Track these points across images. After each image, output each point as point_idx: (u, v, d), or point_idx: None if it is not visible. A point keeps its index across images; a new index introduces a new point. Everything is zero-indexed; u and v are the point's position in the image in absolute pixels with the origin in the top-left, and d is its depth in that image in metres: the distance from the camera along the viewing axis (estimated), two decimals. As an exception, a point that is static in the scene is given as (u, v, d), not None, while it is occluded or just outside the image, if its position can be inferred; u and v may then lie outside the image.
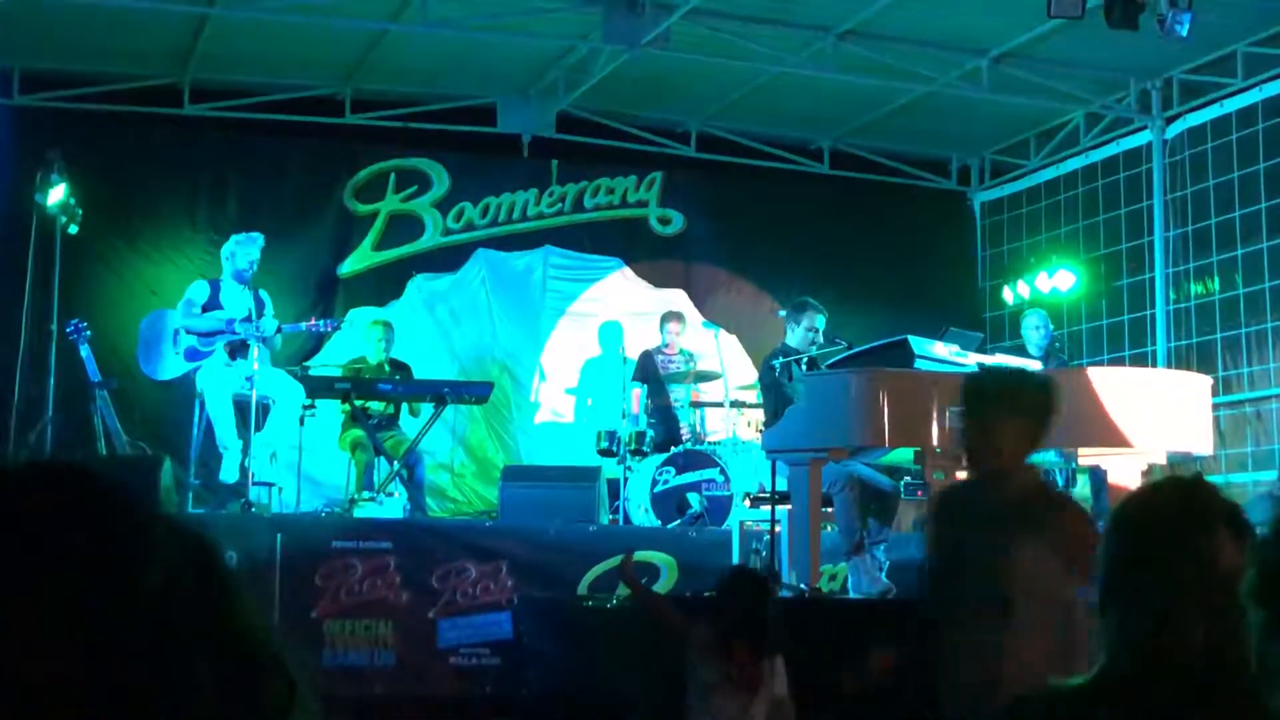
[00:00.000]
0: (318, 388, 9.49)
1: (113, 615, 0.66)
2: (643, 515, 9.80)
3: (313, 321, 9.88)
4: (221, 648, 0.70)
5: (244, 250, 9.50)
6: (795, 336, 8.48)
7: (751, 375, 10.99)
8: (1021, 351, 10.14)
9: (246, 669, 0.71)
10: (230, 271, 9.52)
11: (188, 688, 0.67)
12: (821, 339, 8.43)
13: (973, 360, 7.83)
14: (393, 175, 11.98)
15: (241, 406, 9.20)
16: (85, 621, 0.65)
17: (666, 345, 10.97)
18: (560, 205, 12.39)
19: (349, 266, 11.80)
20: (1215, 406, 8.91)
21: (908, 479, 8.10)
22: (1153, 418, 7.25)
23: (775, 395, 8.30)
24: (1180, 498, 1.88)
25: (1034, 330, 10.48)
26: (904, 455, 7.55)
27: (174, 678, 0.67)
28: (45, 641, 0.64)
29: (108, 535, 0.69)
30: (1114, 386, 7.35)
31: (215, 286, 9.56)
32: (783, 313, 9.22)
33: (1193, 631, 1.76)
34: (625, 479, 9.98)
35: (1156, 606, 1.79)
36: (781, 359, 8.36)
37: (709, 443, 10.31)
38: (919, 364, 7.48)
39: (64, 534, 0.67)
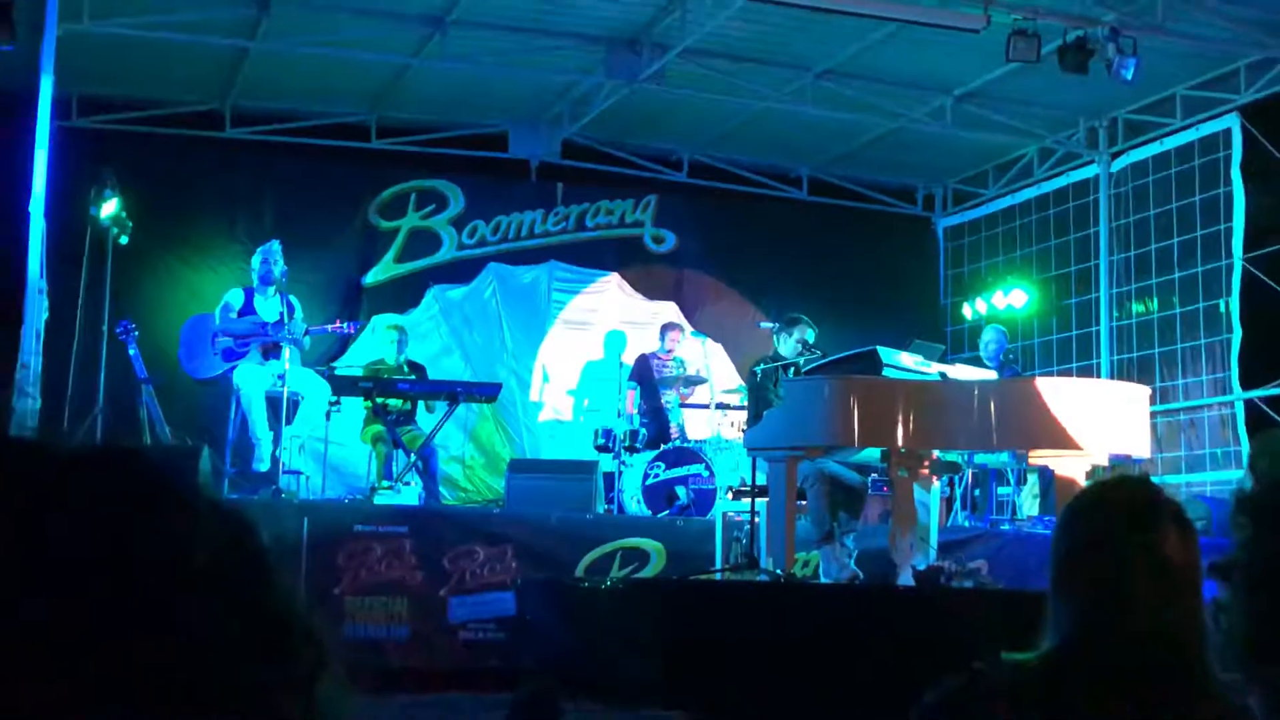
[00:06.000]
0: (342, 386, 9.47)
1: (162, 585, 0.66)
2: (635, 506, 9.80)
3: (336, 324, 9.88)
4: (259, 616, 0.70)
5: (261, 257, 9.58)
6: (786, 347, 8.42)
7: (734, 380, 10.99)
8: (978, 363, 10.17)
9: (282, 636, 0.70)
10: (258, 278, 9.54)
11: (229, 652, 0.67)
12: (813, 352, 8.37)
13: (935, 369, 7.84)
14: (413, 195, 11.98)
15: (273, 402, 9.20)
16: (137, 590, 0.65)
17: (665, 351, 10.97)
18: (564, 224, 12.38)
19: (372, 277, 11.79)
20: (1153, 414, 8.92)
21: (875, 476, 8.10)
22: (1096, 424, 7.25)
23: (757, 398, 8.29)
24: (1133, 495, 1.88)
25: (987, 344, 10.54)
26: (872, 454, 7.55)
27: (216, 643, 0.67)
28: (98, 607, 0.64)
29: (159, 511, 0.68)
30: (1062, 395, 7.35)
31: (250, 294, 9.57)
32: (765, 324, 9.21)
33: (1144, 616, 1.77)
34: (620, 472, 9.97)
35: (1112, 592, 1.79)
36: (766, 365, 8.35)
37: (695, 440, 10.31)
38: (887, 372, 7.48)
39: (120, 509, 0.67)
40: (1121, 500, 1.87)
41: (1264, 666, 0.89)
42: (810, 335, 8.38)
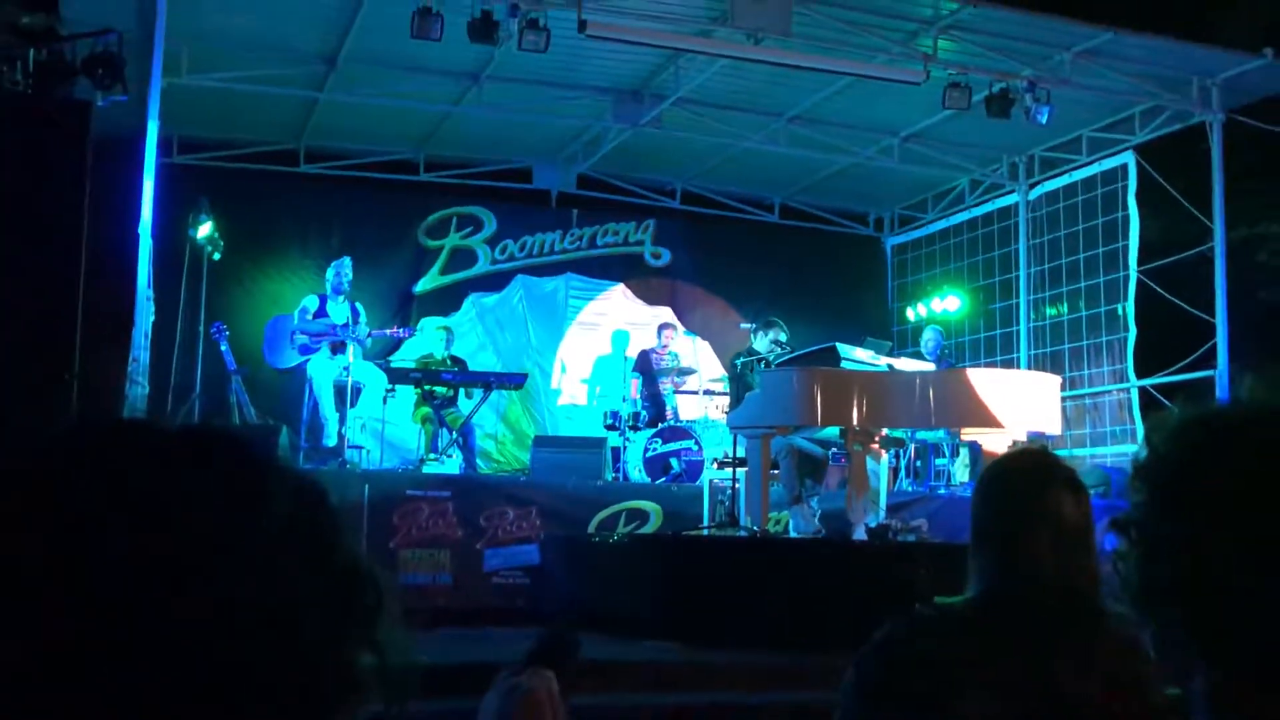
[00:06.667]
0: (397, 376, 9.48)
1: (249, 537, 0.67)
2: (637, 474, 9.79)
3: (394, 329, 9.96)
4: (328, 566, 0.70)
5: (334, 270, 9.63)
6: (762, 344, 8.41)
7: (719, 371, 10.99)
8: (920, 357, 10.15)
9: (347, 583, 0.71)
10: (331, 287, 9.56)
11: (302, 598, 0.67)
12: (785, 348, 8.34)
13: (884, 362, 7.83)
14: (454, 218, 11.95)
15: (340, 389, 9.20)
16: (229, 541, 0.66)
17: (662, 347, 10.96)
18: (579, 243, 12.36)
19: (421, 286, 11.77)
20: (1063, 399, 8.94)
21: (834, 450, 8.11)
22: (1016, 407, 7.25)
23: (738, 385, 8.29)
24: (1033, 464, 1.87)
25: (926, 341, 10.56)
26: (832, 432, 7.55)
27: (292, 590, 0.67)
28: (191, 561, 0.64)
29: (247, 477, 0.69)
30: (988, 383, 7.35)
31: (323, 300, 9.58)
32: (745, 325, 9.19)
33: (1045, 565, 1.76)
34: (624, 447, 9.97)
35: (1017, 547, 1.79)
36: (745, 358, 8.35)
37: (686, 420, 10.30)
38: (844, 364, 7.48)
39: (215, 475, 0.68)
40: (1023, 470, 1.86)
41: (1151, 607, 0.91)
42: (783, 335, 8.37)
